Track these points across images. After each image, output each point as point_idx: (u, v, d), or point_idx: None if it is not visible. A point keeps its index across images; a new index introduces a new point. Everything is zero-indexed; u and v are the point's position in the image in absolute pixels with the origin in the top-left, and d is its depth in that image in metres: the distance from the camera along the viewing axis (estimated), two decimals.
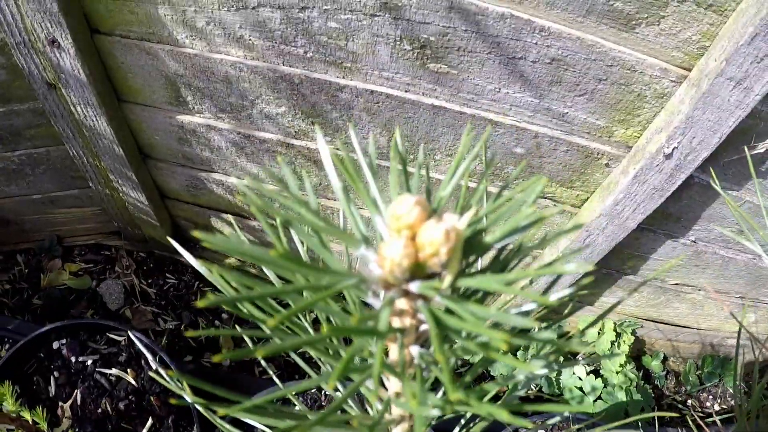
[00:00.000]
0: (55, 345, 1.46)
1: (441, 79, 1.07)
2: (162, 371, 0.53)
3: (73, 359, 1.43)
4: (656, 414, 0.70)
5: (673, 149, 1.09)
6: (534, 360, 0.46)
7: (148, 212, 1.71)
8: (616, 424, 0.70)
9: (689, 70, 1.02)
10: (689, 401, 2.37)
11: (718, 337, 2.16)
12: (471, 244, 0.35)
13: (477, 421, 0.65)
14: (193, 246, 1.92)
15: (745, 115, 1.02)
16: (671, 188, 1.19)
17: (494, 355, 0.30)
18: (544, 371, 0.44)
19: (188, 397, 0.48)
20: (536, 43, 0.97)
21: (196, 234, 0.32)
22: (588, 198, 1.33)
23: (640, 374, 2.19)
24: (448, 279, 0.33)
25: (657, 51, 0.99)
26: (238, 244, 0.30)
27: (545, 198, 1.36)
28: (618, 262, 1.61)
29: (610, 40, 0.97)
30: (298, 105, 1.21)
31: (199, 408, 0.39)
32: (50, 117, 1.47)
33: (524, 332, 0.63)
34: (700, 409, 2.33)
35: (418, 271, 0.33)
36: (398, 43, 1.02)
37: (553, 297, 0.46)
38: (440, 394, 0.50)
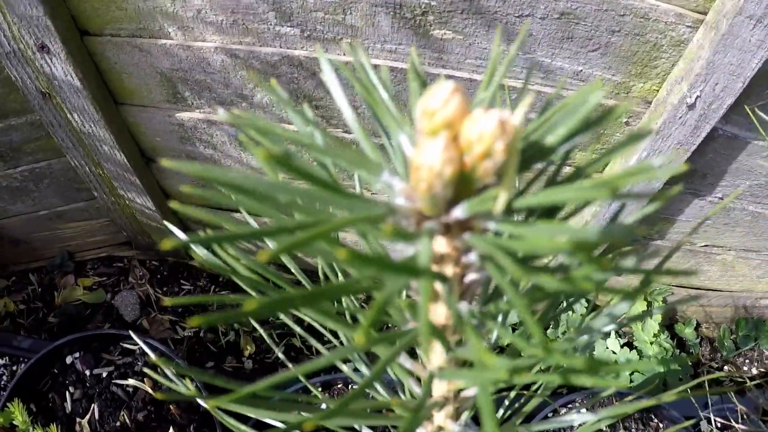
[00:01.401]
0: (69, 360, 1.44)
1: (447, 46, 1.03)
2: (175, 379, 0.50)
3: (87, 373, 1.40)
4: (702, 379, 0.66)
5: (696, 98, 1.04)
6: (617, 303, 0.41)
7: (157, 218, 1.68)
8: (672, 392, 0.66)
9: (705, 13, 0.97)
10: (726, 367, 2.32)
11: (751, 299, 2.11)
12: (527, 155, 0.30)
13: (522, 400, 0.60)
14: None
15: None
16: (696, 142, 1.14)
17: (584, 284, 0.25)
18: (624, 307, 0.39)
19: (201, 400, 0.44)
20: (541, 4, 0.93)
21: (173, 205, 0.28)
22: (609, 161, 1.29)
23: (674, 343, 2.14)
24: (503, 196, 0.26)
25: None
26: (204, 170, 0.25)
27: (568, 166, 1.31)
28: (645, 228, 1.56)
29: None
30: (300, 89, 1.17)
31: (202, 403, 0.35)
32: (48, 128, 1.45)
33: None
34: (737, 374, 2.28)
35: (464, 189, 0.27)
36: (398, 11, 0.98)
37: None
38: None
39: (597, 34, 0.99)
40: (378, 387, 0.56)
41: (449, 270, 0.31)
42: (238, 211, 1.62)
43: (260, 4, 1.01)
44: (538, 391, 0.52)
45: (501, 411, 0.60)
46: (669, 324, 2.30)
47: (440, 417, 0.42)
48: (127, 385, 1.37)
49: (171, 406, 1.33)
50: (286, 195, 0.24)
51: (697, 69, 1.00)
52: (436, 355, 0.37)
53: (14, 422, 0.90)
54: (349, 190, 0.30)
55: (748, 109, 1.06)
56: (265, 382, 0.28)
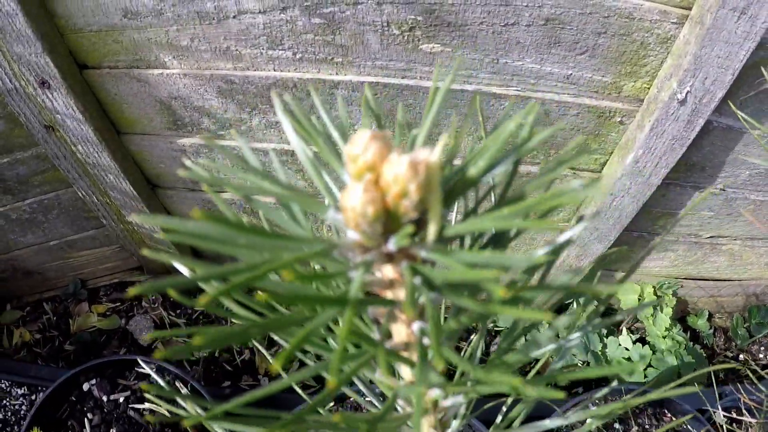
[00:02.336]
0: (86, 387, 1.46)
1: (436, 59, 1.05)
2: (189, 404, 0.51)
3: (104, 398, 1.42)
4: (709, 369, 0.66)
5: (686, 93, 1.05)
6: (563, 321, 0.43)
7: (166, 242, 1.71)
8: (672, 385, 0.66)
9: (690, 8, 0.98)
10: (741, 356, 2.31)
11: (761, 286, 2.10)
12: (453, 187, 0.32)
13: (515, 404, 0.62)
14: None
15: (755, 47, 0.98)
16: (691, 136, 1.15)
17: (493, 308, 0.26)
18: (565, 324, 0.41)
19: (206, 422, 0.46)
20: (527, 5, 0.94)
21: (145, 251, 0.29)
22: (607, 161, 1.30)
23: (687, 335, 2.13)
24: (432, 227, 0.28)
25: None
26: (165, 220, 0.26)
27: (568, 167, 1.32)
28: (647, 223, 1.56)
29: None
30: (295, 111, 1.20)
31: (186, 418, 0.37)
32: (53, 160, 1.48)
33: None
34: (753, 363, 2.27)
35: (394, 223, 0.29)
36: (386, 28, 1.00)
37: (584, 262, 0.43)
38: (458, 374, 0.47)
39: (583, 37, 1.01)
40: (375, 402, 0.58)
41: (402, 293, 0.32)
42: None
43: (252, 29, 1.03)
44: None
45: (500, 417, 0.61)
46: (681, 317, 2.29)
47: (426, 427, 0.43)
48: (144, 410, 1.39)
49: (189, 428, 1.35)
50: (240, 239, 0.26)
51: (686, 64, 1.01)
52: (405, 372, 0.39)
53: None
54: (298, 231, 0.31)
55: (733, 107, 1.07)
56: (241, 400, 0.30)
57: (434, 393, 0.36)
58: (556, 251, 0.31)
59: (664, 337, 2.00)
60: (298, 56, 1.08)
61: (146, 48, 1.14)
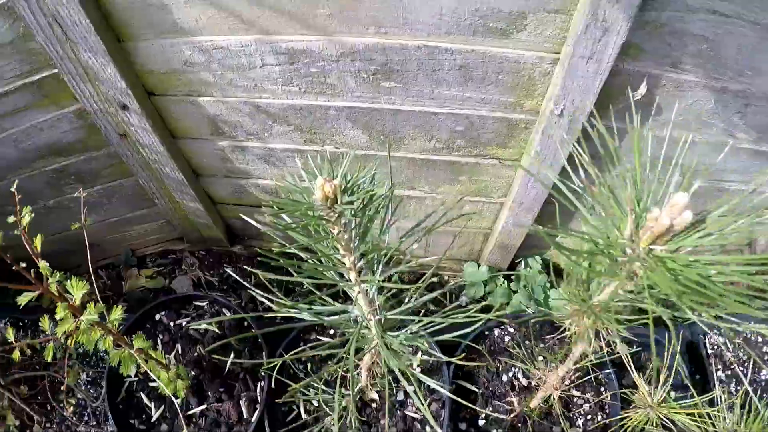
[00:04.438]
0: (157, 317, 2.14)
1: (393, 91, 1.68)
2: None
3: (171, 324, 2.10)
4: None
5: (561, 110, 1.66)
6: None
7: (205, 217, 2.37)
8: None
9: (559, 53, 1.59)
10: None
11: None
12: (350, 188, 0.94)
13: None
14: (241, 239, 2.58)
15: (607, 77, 1.58)
16: (574, 133, 1.76)
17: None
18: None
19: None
20: (446, 59, 1.56)
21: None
22: (523, 152, 1.92)
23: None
24: (340, 199, 0.91)
25: (531, 46, 1.56)
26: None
27: (493, 158, 1.95)
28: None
29: (495, 46, 1.55)
30: (301, 124, 1.84)
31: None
32: (123, 158, 2.12)
33: None
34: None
35: (330, 199, 0.90)
36: (359, 74, 1.62)
37: None
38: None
39: (488, 75, 1.62)
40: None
41: (335, 218, 0.95)
42: (259, 206, 2.27)
43: (271, 74, 1.66)
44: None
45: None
46: None
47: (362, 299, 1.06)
48: (200, 329, 2.06)
49: (231, 339, 2.02)
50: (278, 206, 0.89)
51: (557, 91, 1.62)
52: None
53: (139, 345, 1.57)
54: (304, 200, 0.94)
55: (596, 118, 1.67)
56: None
57: (360, 266, 0.99)
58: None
59: None
60: (302, 90, 1.71)
61: (199, 84, 1.77)
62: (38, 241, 1.41)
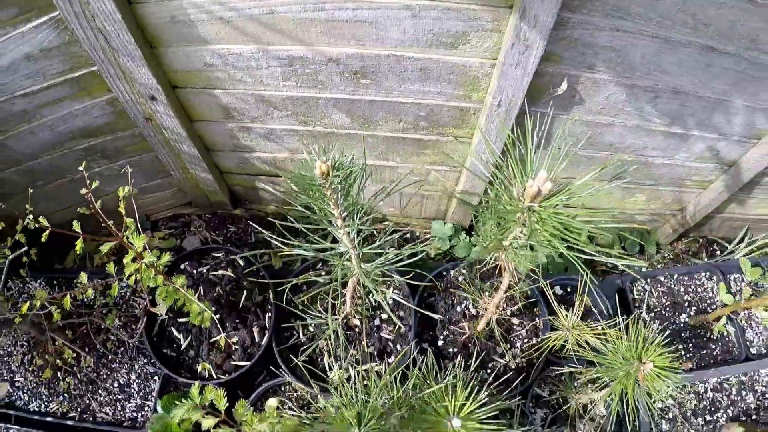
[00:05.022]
0: (182, 266, 2.73)
1: (369, 86, 2.25)
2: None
3: (194, 271, 2.69)
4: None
5: (499, 101, 2.24)
6: None
7: (213, 185, 2.94)
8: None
9: (496, 59, 2.16)
10: (621, 268, 3.55)
11: (624, 215, 3.31)
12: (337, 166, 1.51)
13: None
14: (242, 203, 3.16)
15: (532, 78, 2.15)
16: (510, 123, 2.34)
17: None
18: None
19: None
20: (409, 64, 2.14)
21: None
22: (473, 132, 2.50)
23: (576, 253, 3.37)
24: (331, 174, 1.47)
25: (474, 54, 2.13)
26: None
27: (450, 136, 2.53)
28: None
29: (447, 55, 2.13)
30: (297, 110, 2.41)
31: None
32: (146, 137, 2.67)
33: None
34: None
35: (326, 174, 1.47)
36: (343, 73, 2.19)
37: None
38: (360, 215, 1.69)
39: (442, 75, 2.20)
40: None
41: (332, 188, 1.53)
42: (263, 175, 2.85)
43: (273, 73, 2.23)
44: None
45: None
46: None
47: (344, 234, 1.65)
48: (218, 274, 2.65)
49: (243, 282, 2.60)
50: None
51: (494, 87, 2.20)
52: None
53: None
54: (310, 174, 1.52)
55: (527, 108, 2.25)
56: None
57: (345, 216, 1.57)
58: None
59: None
60: (298, 85, 2.28)
61: (214, 80, 2.33)
62: (122, 205, 1.95)
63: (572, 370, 2.31)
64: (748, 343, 3.12)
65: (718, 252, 3.84)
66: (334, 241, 1.78)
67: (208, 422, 1.70)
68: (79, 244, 1.93)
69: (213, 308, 2.44)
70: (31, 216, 2.22)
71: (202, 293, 2.54)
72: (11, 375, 2.76)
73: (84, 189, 1.94)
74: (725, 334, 3.11)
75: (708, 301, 3.21)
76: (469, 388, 1.80)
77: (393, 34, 2.04)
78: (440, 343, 2.58)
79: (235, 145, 2.73)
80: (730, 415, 2.96)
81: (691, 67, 2.17)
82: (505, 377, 2.45)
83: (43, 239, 1.96)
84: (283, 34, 2.07)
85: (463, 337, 2.51)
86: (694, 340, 3.09)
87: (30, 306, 2.21)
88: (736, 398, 3.00)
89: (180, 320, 2.61)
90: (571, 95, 2.32)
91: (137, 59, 2.17)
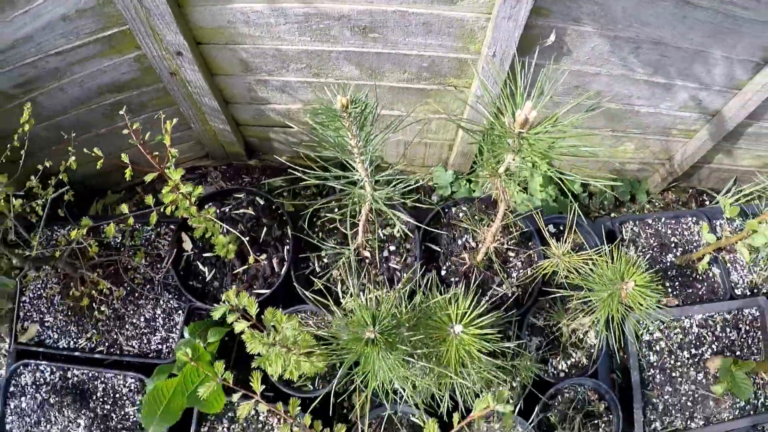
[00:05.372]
0: (206, 207, 3.05)
1: (377, 39, 2.56)
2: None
3: (218, 210, 3.02)
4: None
5: (494, 52, 2.55)
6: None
7: (230, 136, 3.26)
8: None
9: (491, 13, 2.45)
10: (612, 214, 3.87)
11: (614, 164, 3.62)
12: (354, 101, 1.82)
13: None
14: (257, 153, 3.49)
15: (523, 31, 2.45)
16: (505, 69, 2.64)
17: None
18: None
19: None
20: (413, 19, 2.44)
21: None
22: (472, 82, 2.81)
23: (569, 198, 3.69)
24: (350, 105, 1.78)
25: (471, 9, 2.43)
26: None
27: (450, 85, 2.84)
28: None
29: (446, 10, 2.43)
30: (311, 63, 2.72)
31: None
32: (170, 92, 2.98)
33: None
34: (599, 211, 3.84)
35: (345, 106, 1.77)
36: (353, 28, 2.50)
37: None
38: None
39: (442, 29, 2.51)
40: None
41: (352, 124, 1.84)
42: (276, 126, 3.17)
43: (290, 29, 2.53)
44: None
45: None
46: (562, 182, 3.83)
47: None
48: (239, 213, 2.99)
49: (263, 218, 2.93)
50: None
51: (489, 39, 2.50)
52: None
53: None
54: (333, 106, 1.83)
55: (517, 58, 2.56)
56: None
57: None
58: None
59: (541, 191, 3.55)
60: (312, 39, 2.59)
61: (236, 36, 2.63)
62: (167, 137, 2.27)
63: (563, 293, 2.61)
64: (732, 284, 3.39)
65: (708, 202, 4.16)
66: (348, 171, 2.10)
67: (240, 326, 2.02)
68: (128, 172, 2.26)
69: (236, 242, 2.76)
70: (73, 158, 2.55)
71: (225, 231, 2.87)
72: (41, 316, 3.09)
73: (126, 130, 2.22)
74: (711, 275, 3.40)
75: (694, 244, 3.48)
76: (468, 301, 2.12)
77: None
78: (443, 273, 2.91)
79: (252, 97, 3.05)
80: (715, 350, 3.24)
81: (668, 19, 2.46)
82: (503, 305, 2.79)
83: (98, 166, 2.27)
84: None
85: (464, 267, 2.85)
86: (680, 279, 3.37)
87: (68, 240, 2.53)
88: (720, 335, 3.27)
89: (205, 255, 2.95)
90: (560, 47, 2.62)
91: (167, 17, 2.46)
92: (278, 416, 2.57)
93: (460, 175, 3.49)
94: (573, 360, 3.02)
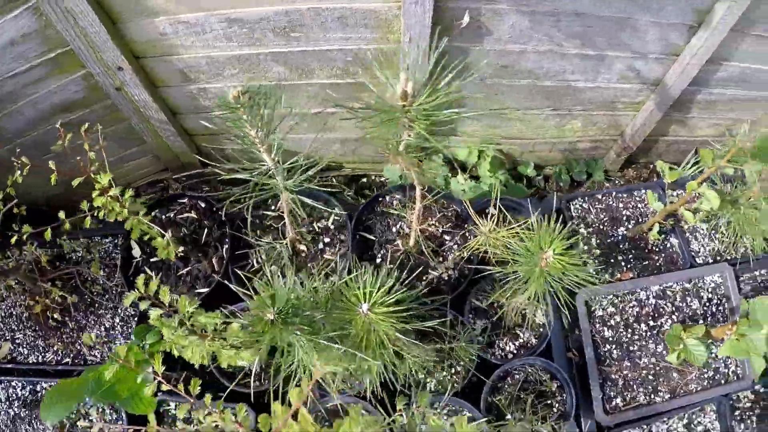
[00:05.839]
0: (152, 214, 3.32)
1: (299, 38, 2.83)
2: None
3: (163, 216, 3.30)
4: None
5: (410, 38, 2.79)
6: None
7: (183, 146, 3.54)
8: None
9: (401, 2, 2.69)
10: (559, 193, 4.03)
11: (565, 143, 3.82)
12: None
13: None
14: (209, 157, 3.77)
15: (433, 14, 2.68)
16: (424, 53, 2.88)
17: None
18: None
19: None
20: (328, 15, 2.71)
21: None
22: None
23: (524, 181, 3.88)
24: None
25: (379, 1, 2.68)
26: None
27: (378, 77, 3.09)
28: None
29: (357, 3, 2.68)
30: (243, 67, 3.01)
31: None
32: (119, 106, 3.25)
33: None
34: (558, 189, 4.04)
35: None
36: (275, 30, 2.77)
37: None
38: None
39: (359, 21, 2.76)
40: None
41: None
42: (222, 133, 3.43)
43: (218, 36, 2.79)
44: None
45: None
46: (514, 167, 4.05)
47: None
48: (183, 217, 3.27)
49: (205, 222, 3.18)
50: None
51: (402, 26, 2.74)
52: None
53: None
54: None
55: (436, 40, 2.80)
56: None
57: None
58: None
59: (490, 177, 3.76)
60: (240, 44, 2.86)
61: (169, 47, 2.91)
62: (86, 144, 2.52)
63: (494, 270, 2.72)
64: (693, 253, 3.44)
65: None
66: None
67: (155, 313, 2.15)
68: (53, 177, 2.52)
69: (179, 245, 3.00)
70: (18, 172, 2.80)
71: (170, 235, 3.11)
72: (12, 334, 3.34)
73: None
74: (669, 246, 3.45)
75: (648, 216, 3.52)
76: (379, 281, 2.25)
77: None
78: (378, 260, 3.10)
79: (195, 106, 3.32)
80: (675, 320, 3.23)
81: None
82: (439, 289, 2.99)
83: (52, 182, 2.53)
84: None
85: (398, 254, 3.05)
86: (634, 252, 3.44)
87: (18, 240, 2.77)
88: (680, 304, 3.29)
89: (152, 260, 3.23)
90: (478, 27, 2.82)
91: (102, 34, 2.73)
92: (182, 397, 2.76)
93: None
94: (521, 340, 3.12)
